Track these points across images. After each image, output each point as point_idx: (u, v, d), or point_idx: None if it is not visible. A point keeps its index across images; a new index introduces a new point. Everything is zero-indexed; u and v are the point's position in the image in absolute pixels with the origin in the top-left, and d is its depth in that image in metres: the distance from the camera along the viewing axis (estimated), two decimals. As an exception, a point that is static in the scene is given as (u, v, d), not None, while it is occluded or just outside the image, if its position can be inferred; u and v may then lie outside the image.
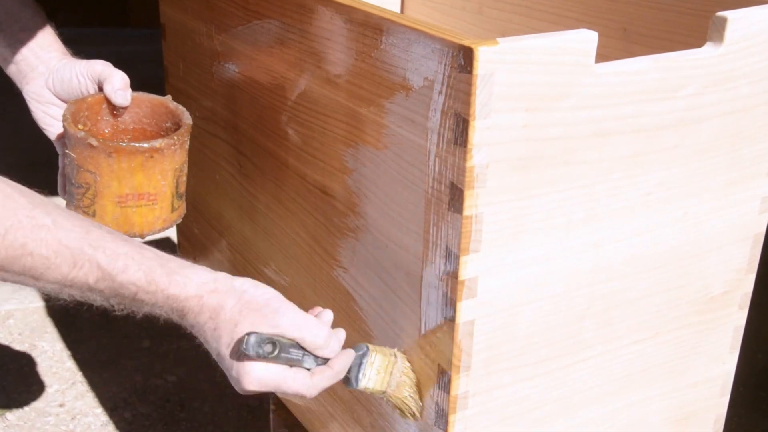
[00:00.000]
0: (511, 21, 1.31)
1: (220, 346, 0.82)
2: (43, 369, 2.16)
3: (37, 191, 0.82)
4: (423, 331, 0.84)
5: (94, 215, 1.02)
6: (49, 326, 2.32)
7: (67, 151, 1.03)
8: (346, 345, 0.87)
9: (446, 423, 0.84)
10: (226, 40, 1.12)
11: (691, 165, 0.89)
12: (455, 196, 0.76)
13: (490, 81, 0.72)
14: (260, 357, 0.80)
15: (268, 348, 0.80)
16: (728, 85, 0.87)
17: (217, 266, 1.32)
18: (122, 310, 0.84)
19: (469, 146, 0.73)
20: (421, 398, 0.86)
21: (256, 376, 0.81)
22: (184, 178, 1.08)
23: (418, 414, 0.87)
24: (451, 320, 0.80)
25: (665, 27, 1.06)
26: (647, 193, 0.87)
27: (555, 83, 0.76)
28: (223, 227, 1.27)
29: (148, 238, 1.05)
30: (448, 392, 0.82)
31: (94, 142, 0.99)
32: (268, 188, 1.10)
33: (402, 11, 1.54)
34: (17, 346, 2.24)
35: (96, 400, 2.06)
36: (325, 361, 0.84)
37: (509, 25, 1.31)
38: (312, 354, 0.83)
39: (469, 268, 0.78)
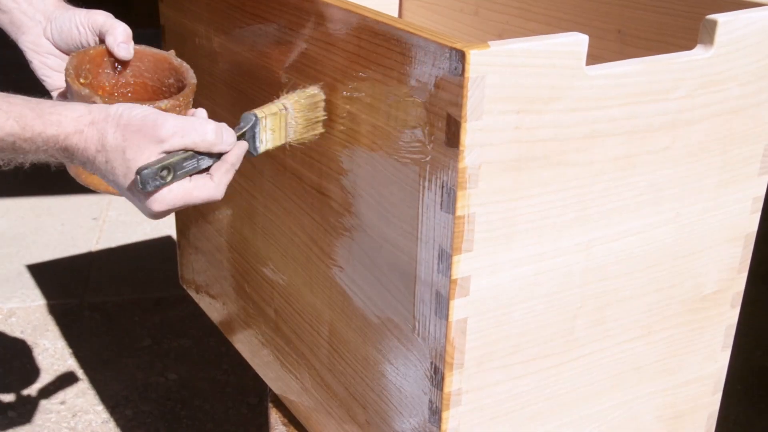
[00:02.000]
0: (507, 23, 1.32)
1: (117, 177, 0.82)
2: (45, 367, 2.17)
3: None
4: (417, 329, 0.85)
5: (93, 173, 1.03)
6: (51, 324, 2.34)
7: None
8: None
9: (440, 419, 0.85)
10: (224, 41, 1.13)
11: (682, 166, 0.90)
12: (448, 197, 0.77)
13: (481, 83, 0.73)
14: (159, 187, 0.80)
15: (164, 174, 0.80)
16: (718, 87, 0.88)
17: (216, 265, 1.34)
18: (8, 164, 0.83)
19: (461, 147, 0.74)
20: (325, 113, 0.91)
21: (160, 201, 0.82)
22: None
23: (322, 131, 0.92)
24: (444, 318, 0.81)
25: (659, 29, 1.07)
26: (639, 194, 0.88)
27: (546, 86, 0.77)
28: (222, 227, 1.29)
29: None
30: (442, 389, 0.83)
31: (99, 101, 0.96)
32: (266, 189, 1.11)
33: (400, 13, 1.55)
34: (19, 344, 2.26)
35: (97, 397, 2.07)
36: (220, 155, 0.85)
37: (506, 27, 1.32)
38: (206, 154, 0.83)
39: (461, 267, 0.79)
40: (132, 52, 1.05)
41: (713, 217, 0.96)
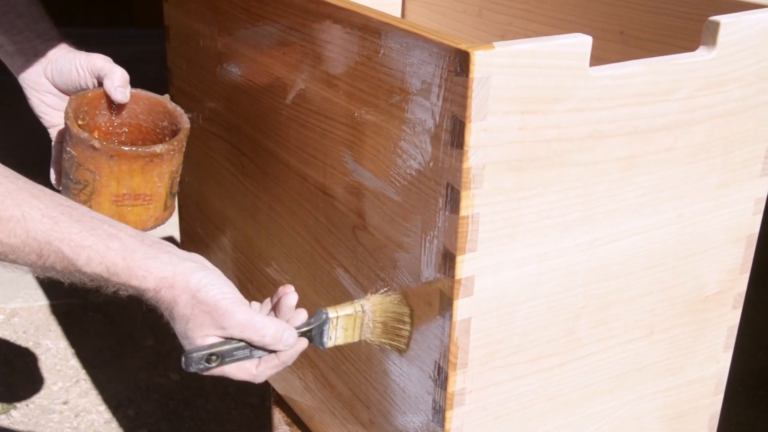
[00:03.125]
0: (511, 24, 1.32)
1: (178, 333, 0.88)
2: (48, 367, 2.18)
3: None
4: (421, 329, 0.86)
5: (90, 205, 1.04)
6: (54, 324, 2.35)
7: (68, 147, 1.05)
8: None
9: (443, 419, 0.85)
10: (228, 42, 1.14)
11: (684, 167, 0.91)
12: (452, 197, 0.77)
13: (486, 84, 0.73)
14: (202, 371, 0.85)
15: (211, 359, 0.84)
16: (721, 88, 0.89)
17: (219, 265, 1.34)
18: (98, 290, 0.88)
19: (465, 148, 0.75)
20: (411, 328, 0.87)
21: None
22: (178, 179, 1.11)
23: (405, 349, 0.88)
24: (448, 318, 0.81)
25: (661, 30, 1.08)
26: (641, 194, 0.89)
27: (550, 86, 0.77)
28: (225, 226, 1.29)
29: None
30: (445, 389, 0.84)
31: (97, 144, 1.01)
32: (269, 188, 1.12)
33: (403, 13, 1.56)
34: (22, 344, 2.27)
35: (99, 397, 2.08)
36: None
37: (509, 28, 1.33)
38: (261, 348, 0.86)
39: (465, 267, 0.79)
40: (128, 95, 1.10)
41: (715, 217, 0.96)
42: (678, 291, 0.97)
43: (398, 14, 1.56)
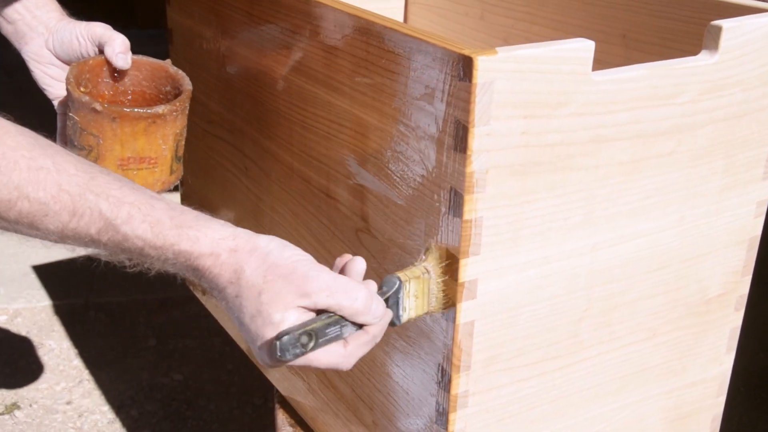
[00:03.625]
0: (513, 27, 1.33)
1: (243, 316, 0.74)
2: (51, 367, 2.18)
3: (45, 135, 0.76)
4: (424, 332, 0.86)
5: None
6: (57, 325, 2.35)
7: (70, 113, 1.04)
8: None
9: (446, 421, 0.86)
10: (231, 45, 1.14)
11: (687, 170, 0.91)
12: (455, 201, 0.78)
13: (489, 89, 0.74)
14: (298, 356, 0.72)
15: (305, 341, 0.72)
16: (723, 92, 0.89)
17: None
18: (135, 266, 0.77)
19: (468, 152, 0.75)
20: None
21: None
22: (183, 142, 1.09)
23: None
24: (451, 321, 0.82)
25: (664, 34, 1.08)
26: (644, 197, 0.89)
27: (553, 91, 0.78)
28: (229, 228, 1.29)
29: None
30: (449, 391, 0.84)
31: (99, 107, 1.00)
32: (273, 191, 1.12)
33: (405, 17, 1.56)
34: (25, 345, 2.27)
35: (103, 397, 2.08)
36: (361, 326, 0.75)
37: (511, 31, 1.33)
38: (349, 322, 0.74)
39: (468, 270, 0.80)
40: (130, 61, 1.09)
41: (718, 220, 0.96)
42: (681, 293, 0.97)
43: (401, 17, 1.56)
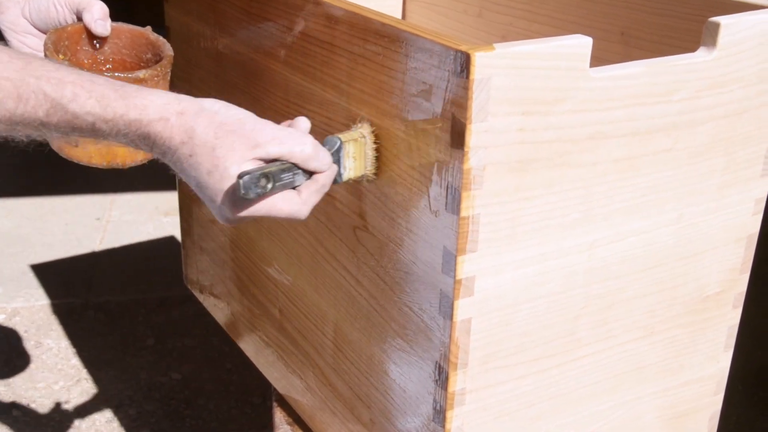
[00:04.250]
0: (511, 24, 1.32)
1: (200, 174, 0.77)
2: (49, 366, 2.18)
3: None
4: (421, 330, 0.86)
5: (77, 144, 1.01)
6: (55, 324, 2.35)
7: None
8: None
9: (444, 419, 0.85)
10: (228, 42, 1.14)
11: (685, 167, 0.91)
12: (452, 198, 0.78)
13: (486, 85, 0.74)
14: (260, 196, 0.76)
15: (263, 183, 0.76)
16: (721, 89, 0.89)
17: (221, 265, 1.35)
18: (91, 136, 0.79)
19: (465, 149, 0.75)
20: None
21: (243, 207, 0.78)
22: None
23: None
24: (448, 319, 0.81)
25: (663, 31, 1.08)
26: (642, 194, 0.89)
27: (550, 88, 0.77)
28: (227, 227, 1.29)
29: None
30: (446, 389, 0.84)
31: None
32: (271, 189, 1.12)
33: (403, 14, 1.56)
34: (23, 344, 2.27)
35: (101, 396, 2.08)
36: (311, 175, 0.81)
37: (510, 28, 1.33)
38: (301, 170, 0.80)
39: (466, 267, 0.80)
40: (109, 28, 1.06)
41: (716, 218, 0.96)
42: (678, 291, 0.97)
43: (399, 15, 1.56)
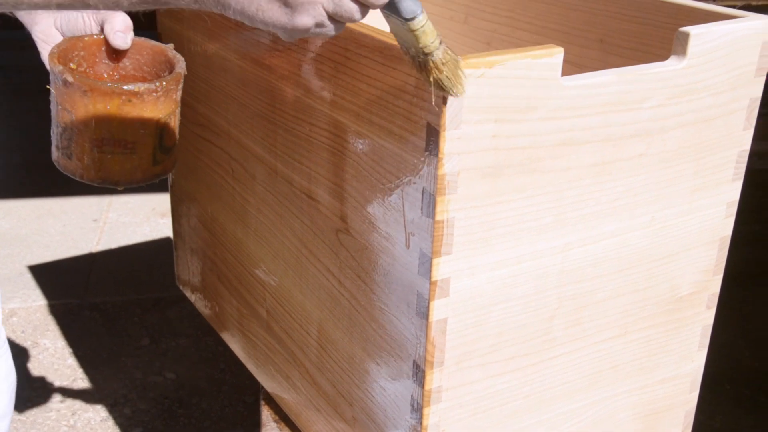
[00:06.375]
0: (495, 31, 1.35)
1: None
2: (45, 366, 2.21)
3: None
4: (399, 329, 0.89)
5: (71, 157, 0.99)
6: (51, 324, 2.37)
7: (50, 88, 0.99)
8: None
9: (421, 416, 0.88)
10: (218, 49, 1.17)
11: (657, 172, 0.94)
12: (428, 202, 0.80)
13: (459, 94, 0.76)
14: None
15: None
16: (691, 96, 0.92)
17: (211, 267, 1.37)
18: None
19: (440, 155, 0.78)
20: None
21: None
22: (173, 131, 1.02)
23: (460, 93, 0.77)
24: (425, 319, 0.84)
25: (640, 39, 1.11)
26: (614, 198, 0.92)
27: (523, 96, 0.80)
28: (216, 229, 1.32)
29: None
30: (423, 387, 0.87)
31: (70, 78, 0.95)
32: (258, 192, 1.15)
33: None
34: (20, 344, 2.29)
35: (96, 396, 2.11)
36: None
37: (494, 35, 1.36)
38: None
39: (441, 269, 0.82)
40: (129, 42, 1.05)
41: (688, 221, 0.99)
42: (652, 292, 1.00)
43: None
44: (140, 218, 2.97)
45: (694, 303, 1.05)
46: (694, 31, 0.89)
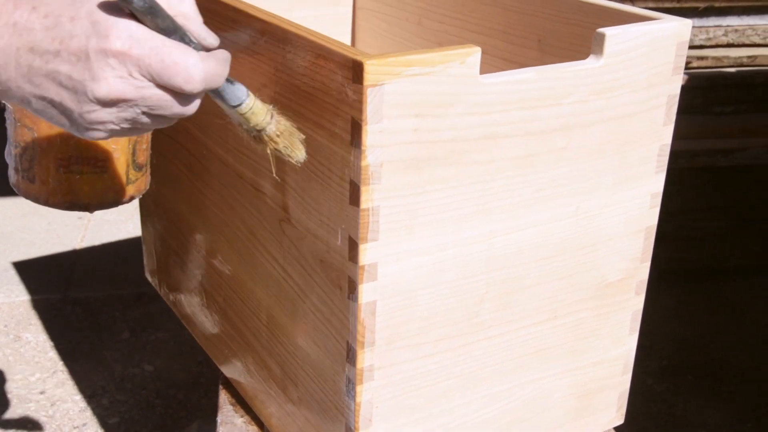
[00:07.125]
0: (447, 32, 1.41)
1: (68, 34, 0.64)
2: (26, 359, 2.26)
3: None
4: (334, 312, 0.94)
5: (33, 180, 0.93)
6: (34, 318, 2.43)
7: (3, 101, 0.95)
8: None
9: (355, 393, 0.94)
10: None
11: (580, 165, 0.99)
12: (354, 192, 0.86)
13: (380, 91, 0.82)
14: (144, 8, 0.65)
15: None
16: (610, 93, 0.98)
17: (180, 264, 1.43)
18: None
19: (363, 147, 0.84)
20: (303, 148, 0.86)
21: (127, 29, 0.65)
22: (146, 147, 0.97)
23: (300, 158, 0.86)
24: (355, 301, 0.90)
25: (573, 39, 1.16)
26: (538, 189, 0.97)
27: (442, 92, 0.86)
28: (180, 222, 1.38)
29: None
30: (355, 365, 0.93)
31: None
32: (213, 186, 1.21)
33: (353, 22, 1.65)
34: (2, 337, 2.35)
35: (75, 387, 2.17)
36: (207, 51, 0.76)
37: (445, 35, 1.41)
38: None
39: (368, 255, 0.88)
40: None
41: (612, 211, 1.05)
42: (580, 278, 1.06)
43: (350, 23, 1.65)
44: (125, 216, 3.03)
45: (622, 289, 1.11)
46: (609, 32, 0.95)
